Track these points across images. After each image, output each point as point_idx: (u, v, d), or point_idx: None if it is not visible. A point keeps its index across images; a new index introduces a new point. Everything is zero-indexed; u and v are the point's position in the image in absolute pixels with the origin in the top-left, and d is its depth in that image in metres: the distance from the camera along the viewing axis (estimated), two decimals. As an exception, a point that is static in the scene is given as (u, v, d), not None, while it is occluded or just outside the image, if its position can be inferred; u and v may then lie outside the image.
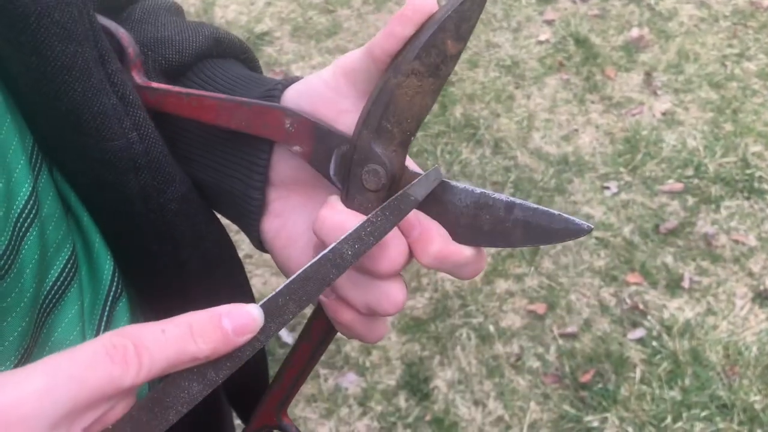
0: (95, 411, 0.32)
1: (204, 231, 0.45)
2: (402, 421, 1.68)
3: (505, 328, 1.83)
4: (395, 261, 0.39)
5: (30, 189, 0.36)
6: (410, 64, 0.37)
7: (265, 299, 0.35)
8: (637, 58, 2.46)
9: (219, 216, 0.49)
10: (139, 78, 0.43)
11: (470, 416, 1.68)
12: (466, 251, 0.40)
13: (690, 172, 2.12)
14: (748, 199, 2.05)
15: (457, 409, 1.70)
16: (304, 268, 0.36)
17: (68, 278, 0.40)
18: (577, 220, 0.38)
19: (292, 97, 0.42)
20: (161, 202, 0.41)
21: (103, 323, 0.42)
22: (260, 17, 2.77)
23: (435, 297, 1.89)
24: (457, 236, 0.40)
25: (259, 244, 0.47)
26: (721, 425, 1.63)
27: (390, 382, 1.75)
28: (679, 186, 2.09)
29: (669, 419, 1.64)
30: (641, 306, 1.84)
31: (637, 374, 1.72)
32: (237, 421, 0.61)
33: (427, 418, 1.69)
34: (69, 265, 0.40)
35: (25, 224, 0.36)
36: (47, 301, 0.39)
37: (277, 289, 0.36)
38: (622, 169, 2.14)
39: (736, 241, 1.95)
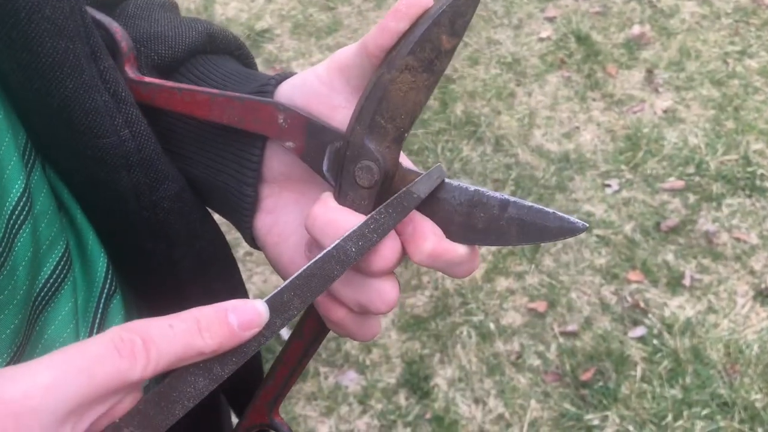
0: (103, 405, 0.32)
1: (198, 229, 0.45)
2: (402, 420, 1.68)
3: (505, 326, 1.82)
4: (388, 259, 0.38)
5: (23, 186, 0.36)
6: (404, 60, 0.37)
7: (270, 295, 0.36)
8: (638, 56, 2.46)
9: (214, 215, 0.49)
10: (132, 72, 0.43)
11: (470, 414, 1.68)
12: (459, 249, 0.39)
13: (691, 169, 2.11)
14: (749, 196, 2.05)
15: (457, 407, 1.69)
16: (308, 265, 0.36)
17: (61, 275, 0.40)
18: (572, 218, 0.38)
19: (285, 93, 0.42)
20: (154, 200, 0.41)
21: (97, 320, 0.42)
22: (260, 14, 2.76)
23: (435, 295, 1.88)
24: (451, 234, 0.39)
25: (252, 240, 0.46)
26: (722, 423, 1.62)
27: (390, 380, 1.75)
28: (680, 184, 2.08)
29: (670, 417, 1.64)
30: (642, 304, 1.83)
31: (638, 372, 1.72)
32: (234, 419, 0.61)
33: (428, 416, 1.68)
34: (62, 262, 0.40)
35: (18, 221, 0.36)
36: (40, 298, 0.39)
37: (282, 285, 0.36)
38: (623, 167, 2.14)
39: (738, 239, 1.95)
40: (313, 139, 0.41)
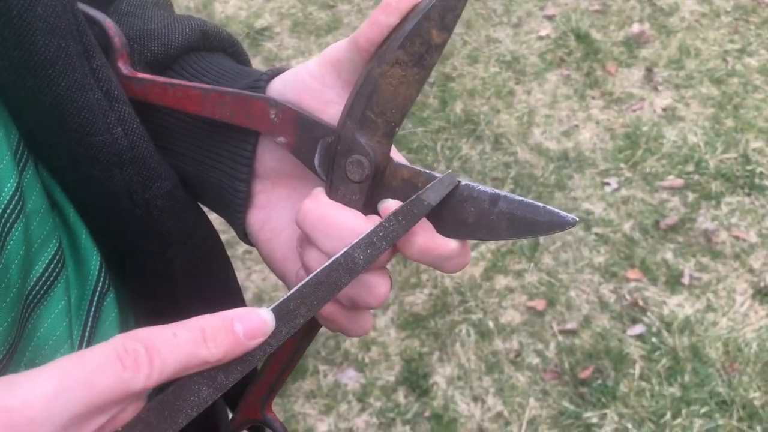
0: (105, 414, 0.32)
1: (191, 227, 0.45)
2: (401, 417, 1.68)
3: (504, 324, 1.82)
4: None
5: (15, 184, 0.36)
6: (394, 54, 0.37)
7: (276, 303, 0.35)
8: (637, 54, 2.45)
9: (210, 214, 0.49)
10: (125, 68, 0.43)
11: (469, 412, 1.68)
12: (451, 244, 0.39)
13: (690, 168, 2.11)
14: (748, 195, 2.04)
15: (456, 405, 1.70)
16: (315, 273, 0.36)
17: (54, 273, 0.40)
18: (562, 212, 0.38)
19: (277, 88, 0.42)
20: (147, 198, 0.41)
21: (90, 318, 0.42)
22: (260, 12, 2.76)
23: (434, 293, 1.88)
24: (442, 229, 0.39)
25: (245, 236, 0.46)
26: (721, 422, 1.62)
27: (389, 378, 1.75)
28: (679, 182, 2.08)
29: (668, 415, 1.64)
30: (641, 302, 1.83)
31: (637, 370, 1.72)
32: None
33: (426, 414, 1.69)
34: (55, 260, 0.40)
35: (10, 219, 0.36)
36: (32, 296, 0.39)
37: (289, 294, 0.36)
38: (622, 165, 2.13)
39: (737, 238, 1.95)
40: (304, 134, 0.40)
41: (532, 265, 1.92)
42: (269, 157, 0.44)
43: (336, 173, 0.39)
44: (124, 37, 0.44)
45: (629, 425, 1.63)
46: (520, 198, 0.38)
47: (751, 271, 1.88)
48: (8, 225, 0.36)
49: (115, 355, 0.31)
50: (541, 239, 1.97)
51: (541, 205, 0.38)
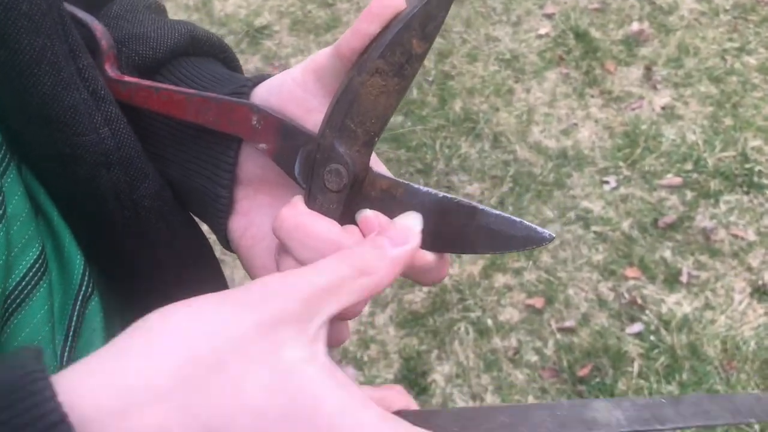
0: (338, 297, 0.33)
1: (178, 229, 0.45)
2: (399, 415, 1.69)
3: (503, 322, 1.83)
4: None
5: None
6: (374, 63, 0.36)
7: None
8: (636, 52, 2.45)
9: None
10: (111, 71, 0.43)
11: (468, 410, 1.69)
12: (427, 257, 0.39)
13: (689, 166, 2.12)
14: (747, 193, 2.05)
15: (454, 402, 1.70)
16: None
17: (35, 278, 0.39)
18: (539, 228, 0.38)
19: (262, 95, 0.42)
20: (134, 199, 0.41)
21: (73, 323, 0.41)
22: (259, 11, 2.76)
23: (433, 291, 1.89)
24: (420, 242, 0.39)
25: (227, 243, 0.46)
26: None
27: (388, 375, 1.75)
28: (678, 180, 2.08)
29: (666, 413, 1.64)
30: (639, 300, 1.84)
31: (635, 368, 1.72)
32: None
33: (425, 412, 1.69)
34: (36, 265, 0.39)
35: None
36: (10, 301, 0.38)
37: None
38: (621, 164, 2.14)
39: (735, 236, 1.95)
40: (286, 142, 0.40)
41: (530, 263, 1.92)
42: (252, 163, 0.43)
43: (315, 182, 0.39)
44: (111, 40, 0.43)
45: (627, 423, 1.64)
46: (498, 212, 0.38)
47: (749, 269, 1.88)
48: None
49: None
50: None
51: (518, 219, 0.38)
